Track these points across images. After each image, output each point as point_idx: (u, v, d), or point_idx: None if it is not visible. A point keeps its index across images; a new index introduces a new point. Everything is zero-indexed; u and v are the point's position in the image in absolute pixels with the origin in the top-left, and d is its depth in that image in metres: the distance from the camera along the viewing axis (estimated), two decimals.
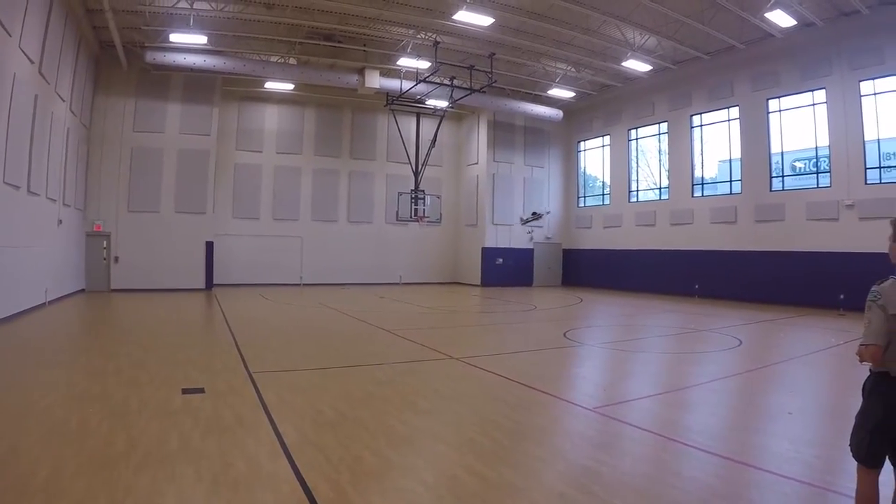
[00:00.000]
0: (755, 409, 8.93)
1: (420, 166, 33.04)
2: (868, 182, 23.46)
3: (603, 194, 37.39)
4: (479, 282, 36.69)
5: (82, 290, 27.20)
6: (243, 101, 33.93)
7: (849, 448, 4.29)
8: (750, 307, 24.62)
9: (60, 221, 22.91)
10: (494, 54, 27.39)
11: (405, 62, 29.44)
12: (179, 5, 23.86)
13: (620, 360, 13.25)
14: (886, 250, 4.43)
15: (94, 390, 8.79)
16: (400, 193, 32.35)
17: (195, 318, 20.30)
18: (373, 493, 5.30)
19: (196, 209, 30.22)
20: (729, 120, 29.10)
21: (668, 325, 19.58)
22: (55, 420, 7.26)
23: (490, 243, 36.89)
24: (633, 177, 35.09)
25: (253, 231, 33.76)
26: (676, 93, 31.66)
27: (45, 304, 20.54)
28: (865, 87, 23.61)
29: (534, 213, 37.05)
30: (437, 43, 26.33)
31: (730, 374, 11.30)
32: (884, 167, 23.18)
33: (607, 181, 36.98)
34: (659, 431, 7.42)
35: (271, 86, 32.47)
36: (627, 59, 28.76)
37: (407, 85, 29.85)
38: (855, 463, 4.24)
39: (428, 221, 32.98)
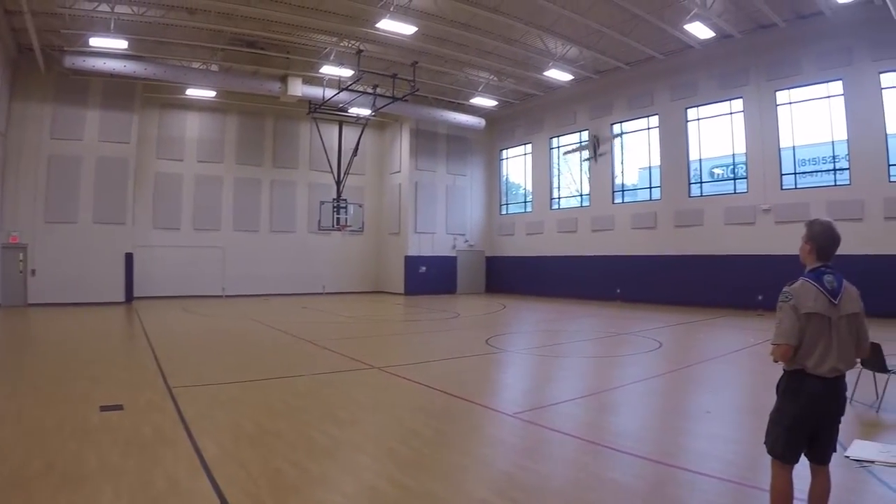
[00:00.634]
0: (675, 409, 9.16)
1: (342, 175, 32.80)
2: (784, 187, 24.36)
3: (525, 202, 37.73)
4: (402, 290, 36.58)
5: None
6: (164, 107, 33.10)
7: (764, 445, 4.40)
8: (671, 310, 25.15)
9: None
10: (417, 63, 27.38)
11: (328, 70, 29.18)
12: (100, 9, 23.14)
13: (542, 365, 13.33)
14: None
15: (9, 409, 8.47)
16: (322, 202, 32.08)
17: (114, 332, 19.68)
18: None
19: (115, 220, 29.30)
20: (649, 128, 29.79)
21: (589, 329, 19.84)
22: None
23: (413, 252, 36.83)
24: (555, 184, 35.50)
25: (174, 242, 32.90)
26: (598, 102, 32.22)
27: None
28: (781, 96, 24.55)
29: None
30: (360, 51, 26.24)
31: (650, 376, 11.48)
32: (799, 173, 24.10)
33: (529, 189, 37.32)
34: (581, 435, 7.52)
35: (193, 93, 31.74)
36: (549, 68, 29.16)
37: (330, 93, 29.60)
38: (770, 459, 4.35)
39: (350, 230, 32.79)
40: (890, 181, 21.46)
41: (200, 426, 7.64)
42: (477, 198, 39.73)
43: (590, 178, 32.83)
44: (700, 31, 23.76)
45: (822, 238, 4.35)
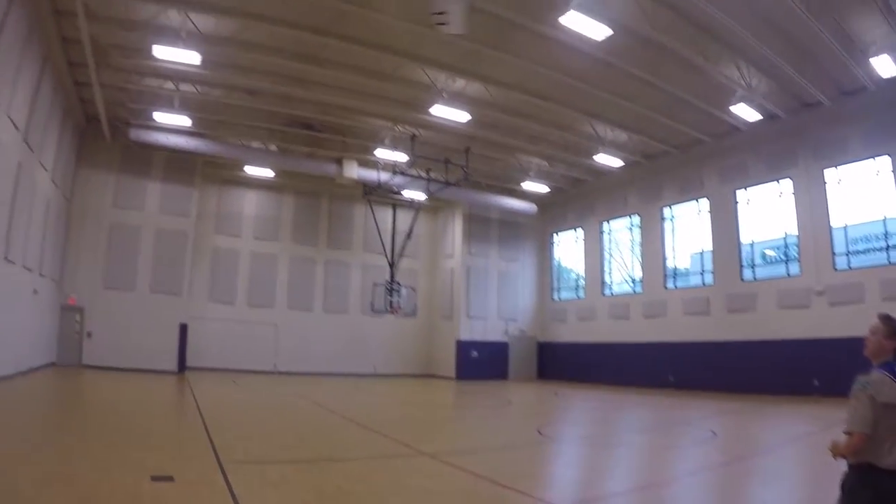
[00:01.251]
0: None
1: (396, 258, 33.10)
2: (837, 268, 23.82)
3: (577, 287, 37.60)
4: (453, 374, 36.33)
5: (53, 364, 26.56)
6: (223, 184, 34.41)
7: None
8: (725, 397, 24.42)
9: (36, 291, 22.66)
10: (470, 148, 27.88)
11: (383, 154, 29.92)
12: (166, 86, 24.38)
13: (594, 455, 13.00)
14: (862, 336, 4.39)
15: (64, 472, 8.39)
16: (375, 284, 32.31)
17: (167, 400, 19.86)
18: None
19: (171, 290, 30.13)
20: (699, 212, 29.67)
21: (642, 417, 19.43)
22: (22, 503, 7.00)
23: (465, 336, 36.74)
24: (607, 269, 35.35)
25: (228, 315, 33.55)
26: (648, 186, 32.34)
27: (14, 374, 20.01)
28: (830, 175, 24.32)
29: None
30: (414, 136, 26.89)
31: (705, 468, 11.13)
32: (851, 253, 23.57)
33: (581, 274, 37.19)
34: None
35: (251, 171, 32.87)
36: (599, 153, 29.43)
37: (384, 176, 30.18)
38: None
39: (403, 313, 32.87)
40: None
41: None
42: (529, 283, 39.69)
43: (642, 263, 32.67)
44: (746, 112, 23.77)
45: None
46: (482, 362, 36.74)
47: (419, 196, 32.09)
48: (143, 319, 28.90)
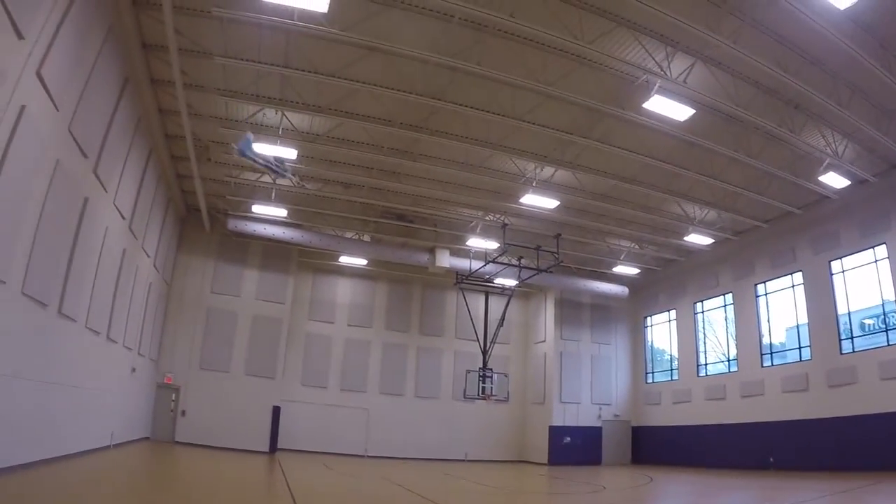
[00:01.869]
0: None
1: (488, 344, 33.36)
2: None
3: (671, 369, 36.95)
4: (546, 460, 35.71)
5: (147, 438, 27.66)
6: (318, 272, 35.63)
7: None
8: (829, 477, 23.32)
9: (134, 370, 23.86)
10: (560, 234, 28.27)
11: (474, 242, 30.54)
12: (263, 179, 25.67)
13: None
14: None
15: None
16: (468, 371, 32.52)
17: (259, 481, 20.16)
18: None
19: (266, 373, 31.07)
20: (793, 286, 29.03)
21: (743, 502, 18.93)
22: None
23: (557, 421, 36.34)
24: (701, 349, 34.78)
25: (320, 399, 34.20)
26: (739, 262, 31.90)
27: (109, 446, 20.95)
28: None
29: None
30: (504, 224, 27.46)
31: None
32: None
33: (675, 355, 36.70)
34: None
35: (345, 260, 33.98)
36: (689, 233, 29.38)
37: (476, 264, 30.72)
38: None
39: (495, 399, 32.89)
40: None
41: None
42: (622, 366, 39.19)
43: (736, 342, 32.10)
44: (835, 180, 23.50)
45: None
46: (575, 447, 36.15)
47: (511, 283, 32.46)
48: (237, 400, 29.83)
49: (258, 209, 27.67)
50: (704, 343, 34.71)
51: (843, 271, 26.72)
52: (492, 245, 30.13)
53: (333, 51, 17.48)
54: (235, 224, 28.36)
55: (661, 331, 38.23)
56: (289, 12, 14.84)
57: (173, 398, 29.23)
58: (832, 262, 27.07)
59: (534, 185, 24.77)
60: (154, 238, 24.76)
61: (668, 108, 18.51)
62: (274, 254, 32.17)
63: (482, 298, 35.64)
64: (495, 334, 33.70)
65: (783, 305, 29.74)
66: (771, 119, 19.86)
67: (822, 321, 27.17)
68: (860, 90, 18.99)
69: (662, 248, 33.13)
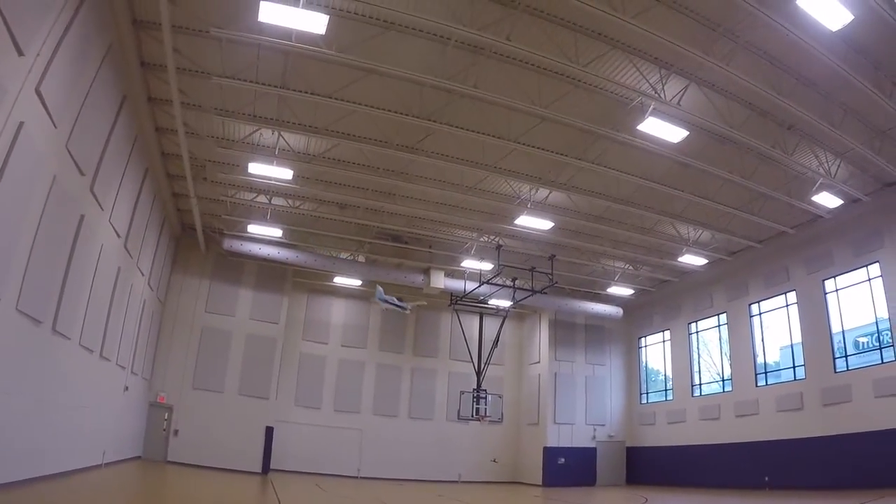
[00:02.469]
0: None
1: (482, 365, 33.34)
2: None
3: (666, 389, 36.93)
4: (540, 481, 35.57)
5: (139, 457, 27.40)
6: (312, 292, 35.68)
7: None
8: (825, 495, 23.24)
9: (126, 388, 23.68)
10: (555, 256, 28.38)
11: (469, 263, 30.62)
12: (258, 199, 25.91)
13: None
14: None
15: None
16: (462, 392, 32.50)
17: (252, 502, 20.07)
18: None
19: (259, 394, 30.90)
20: (787, 305, 29.12)
21: None
22: None
23: (552, 442, 36.23)
24: (696, 370, 34.79)
25: (313, 420, 34.10)
26: (733, 283, 32.01)
27: (101, 465, 20.79)
28: None
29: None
30: (499, 246, 27.60)
31: None
32: None
33: (669, 376, 36.69)
34: None
35: (340, 280, 33.94)
36: (683, 254, 29.56)
37: (471, 286, 30.76)
38: None
39: (489, 420, 32.82)
40: None
41: None
42: (616, 387, 39.13)
43: (731, 362, 32.14)
44: (828, 200, 23.69)
45: None
46: (569, 468, 36.02)
47: (506, 304, 32.50)
48: (230, 420, 29.64)
49: (253, 229, 27.74)
50: (699, 363, 34.75)
51: (836, 290, 26.82)
52: (486, 266, 30.22)
53: (331, 72, 17.61)
54: (231, 244, 28.39)
55: (656, 351, 38.25)
56: (287, 34, 14.96)
57: (166, 417, 29.01)
58: (826, 281, 27.18)
59: (528, 206, 24.88)
60: (149, 256, 24.72)
61: (662, 129, 18.73)
62: (269, 274, 32.16)
63: (476, 320, 35.61)
64: (489, 355, 33.69)
65: (777, 325, 29.82)
66: (764, 140, 20.05)
67: (816, 340, 27.24)
68: (852, 110, 19.19)
69: (657, 268, 33.24)
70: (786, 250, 28.74)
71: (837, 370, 26.23)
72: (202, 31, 15.93)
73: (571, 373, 37.90)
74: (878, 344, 25.00)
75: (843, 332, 26.48)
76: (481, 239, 29.29)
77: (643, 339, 39.20)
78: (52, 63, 11.57)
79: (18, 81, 10.59)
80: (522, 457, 38.28)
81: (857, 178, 23.19)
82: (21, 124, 10.87)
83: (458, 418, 32.78)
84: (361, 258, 32.09)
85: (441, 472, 35.93)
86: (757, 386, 30.19)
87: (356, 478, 33.64)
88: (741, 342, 31.39)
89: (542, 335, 38.49)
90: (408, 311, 27.91)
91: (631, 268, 33.02)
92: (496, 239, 28.80)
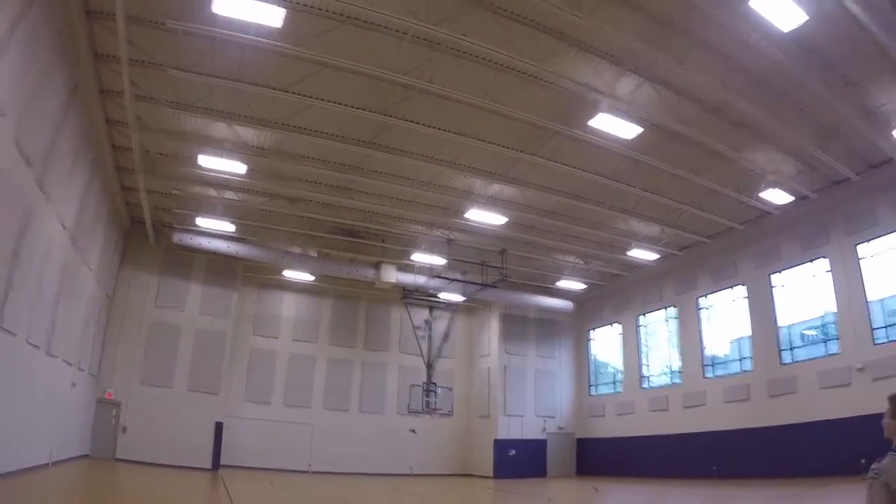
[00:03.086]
0: None
1: (433, 359, 33.37)
2: (876, 342, 23.44)
3: (615, 381, 37.39)
4: (491, 473, 35.78)
5: (86, 456, 26.71)
6: (263, 287, 35.26)
7: None
8: (771, 484, 23.79)
9: (74, 385, 23.12)
10: (506, 250, 28.52)
11: (420, 258, 30.58)
12: (210, 193, 25.49)
13: None
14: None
15: None
16: (412, 385, 32.51)
17: (203, 499, 19.69)
18: None
19: (209, 389, 30.45)
20: (735, 299, 29.77)
21: None
22: None
23: (502, 435, 36.46)
24: (645, 362, 35.32)
25: (264, 415, 33.69)
26: (682, 277, 32.58)
27: (48, 464, 20.23)
28: (863, 249, 24.26)
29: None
30: (450, 240, 27.60)
31: None
32: (889, 325, 23.26)
33: (619, 368, 37.17)
34: None
35: (291, 275, 33.71)
36: (633, 248, 29.96)
37: (422, 280, 30.75)
38: None
39: (440, 413, 32.90)
40: None
41: None
42: (566, 380, 39.50)
43: (680, 354, 32.67)
44: (776, 196, 24.35)
45: None
46: (520, 460, 36.27)
47: (456, 298, 32.55)
48: (179, 416, 29.09)
49: (204, 223, 27.29)
50: (648, 356, 35.26)
51: (783, 284, 27.46)
52: (438, 261, 30.23)
53: (286, 66, 17.38)
54: (180, 237, 27.84)
55: (606, 344, 38.72)
56: (243, 27, 14.78)
57: (114, 414, 28.32)
58: (773, 276, 27.80)
59: (482, 201, 24.96)
60: (97, 251, 24.15)
61: (615, 126, 18.99)
62: (219, 268, 31.67)
63: (427, 313, 35.63)
64: (440, 349, 33.74)
65: (725, 318, 30.42)
66: (715, 136, 20.43)
67: (764, 333, 27.86)
68: (802, 109, 19.61)
69: (607, 263, 33.61)
70: (734, 245, 29.31)
71: (784, 362, 26.89)
72: (157, 23, 15.57)
73: (522, 366, 38.14)
74: (823, 337, 25.73)
75: (789, 325, 27.15)
76: (433, 233, 29.27)
77: (593, 332, 39.63)
78: (2, 52, 11.27)
79: None
80: (473, 449, 38.41)
81: (805, 175, 23.74)
82: None
83: (409, 412, 32.78)
84: (313, 252, 31.83)
85: (392, 465, 35.84)
86: (705, 377, 30.77)
87: (307, 472, 33.40)
88: (690, 335, 31.93)
89: (493, 329, 38.64)
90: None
91: (582, 262, 33.30)
92: (448, 233, 28.83)
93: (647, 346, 35.44)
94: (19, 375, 16.53)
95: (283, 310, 35.83)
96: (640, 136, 19.84)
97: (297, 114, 19.67)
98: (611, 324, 37.88)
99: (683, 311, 32.58)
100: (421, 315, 35.53)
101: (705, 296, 31.48)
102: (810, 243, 26.18)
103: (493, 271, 28.66)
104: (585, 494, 26.29)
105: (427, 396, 31.90)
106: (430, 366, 33.06)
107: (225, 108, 19.62)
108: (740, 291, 29.48)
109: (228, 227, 27.67)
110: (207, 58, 16.85)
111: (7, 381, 15.53)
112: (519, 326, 38.65)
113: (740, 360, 29.28)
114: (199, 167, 22.06)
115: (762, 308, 28.13)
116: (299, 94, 18.37)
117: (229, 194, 25.76)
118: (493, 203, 25.54)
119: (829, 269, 25.33)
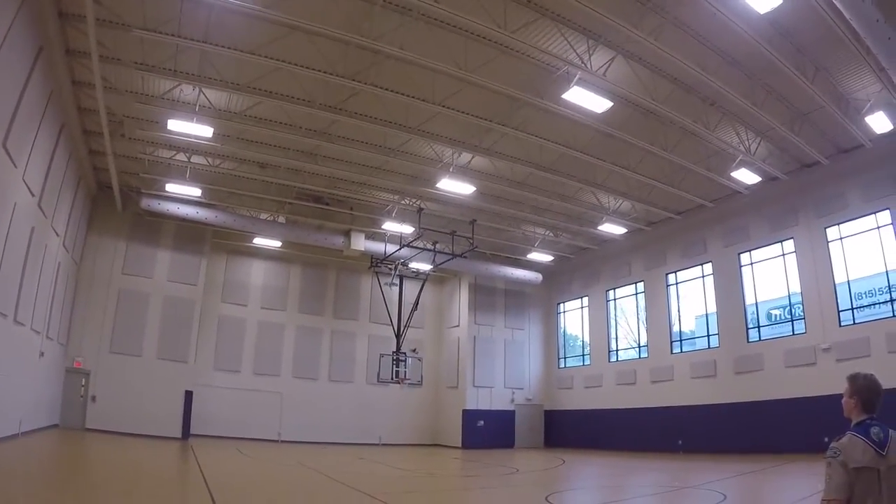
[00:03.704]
0: None
1: (402, 328, 33.29)
2: (842, 324, 23.84)
3: (583, 354, 37.67)
4: (459, 444, 36.07)
5: (56, 426, 26.42)
6: (231, 254, 34.94)
7: None
8: (735, 459, 24.05)
9: (42, 354, 22.74)
10: (476, 220, 28.44)
11: (390, 226, 30.46)
12: (177, 157, 25.11)
13: None
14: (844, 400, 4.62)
15: None
16: (381, 355, 32.40)
17: (172, 467, 19.63)
18: None
19: (178, 357, 30.17)
20: (703, 276, 30.06)
21: (651, 483, 19.36)
22: None
23: (471, 405, 36.68)
24: (613, 336, 35.61)
25: (233, 384, 33.53)
26: (651, 252, 32.87)
27: (17, 435, 19.92)
28: (831, 232, 24.66)
29: None
30: (420, 209, 27.44)
31: None
32: (856, 308, 23.68)
33: (587, 341, 37.43)
34: None
35: (260, 241, 33.55)
36: (603, 222, 30.08)
37: (391, 248, 30.63)
38: None
39: (409, 383, 32.90)
40: None
41: None
42: (535, 351, 39.79)
43: (647, 329, 32.95)
44: (747, 176, 24.55)
45: (867, 392, 4.45)
46: (488, 431, 36.58)
47: (426, 267, 32.47)
48: (149, 385, 28.77)
49: (172, 188, 26.82)
50: (616, 330, 35.53)
51: (751, 263, 27.71)
52: (407, 229, 30.11)
53: (255, 28, 17.05)
54: (148, 203, 27.42)
55: (574, 317, 38.94)
56: None
57: (83, 383, 27.90)
58: (741, 255, 28.11)
59: (451, 170, 24.80)
60: (64, 216, 23.64)
61: (586, 99, 18.89)
62: (187, 234, 31.23)
63: (397, 282, 35.50)
64: (409, 319, 33.65)
65: (693, 294, 30.71)
66: (687, 115, 20.47)
67: (731, 310, 28.21)
68: (775, 92, 19.73)
69: (577, 236, 33.73)
70: (704, 223, 29.54)
71: (750, 340, 27.27)
72: None
73: (491, 337, 38.31)
74: (789, 317, 26.09)
75: (756, 304, 27.46)
76: (403, 202, 29.15)
77: (562, 305, 39.84)
78: None
79: None
80: (442, 419, 38.64)
81: (776, 156, 23.95)
82: None
83: (378, 381, 32.74)
84: (282, 219, 31.59)
85: (361, 434, 35.92)
86: (672, 353, 31.11)
87: (277, 441, 33.35)
88: (658, 310, 32.22)
89: (462, 299, 38.75)
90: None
91: (551, 234, 33.41)
92: (417, 202, 28.69)
93: (615, 319, 35.66)
94: None
95: (251, 277, 35.54)
96: (612, 111, 19.86)
97: (264, 77, 19.33)
98: (580, 297, 38.05)
99: (651, 286, 32.84)
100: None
101: (674, 272, 31.74)
102: (779, 224, 26.46)
103: (464, 241, 28.55)
104: (553, 465, 26.45)
105: (396, 366, 31.79)
106: (399, 335, 32.91)
107: (192, 70, 19.28)
108: (708, 269, 29.72)
109: (196, 192, 27.19)
110: (174, 18, 16.46)
111: None
112: (488, 297, 38.77)
113: (707, 336, 29.58)
114: (167, 131, 21.60)
115: (729, 286, 28.43)
116: (267, 57, 18.03)
117: (197, 159, 25.35)
118: (462, 173, 25.36)
119: (796, 250, 25.64)
